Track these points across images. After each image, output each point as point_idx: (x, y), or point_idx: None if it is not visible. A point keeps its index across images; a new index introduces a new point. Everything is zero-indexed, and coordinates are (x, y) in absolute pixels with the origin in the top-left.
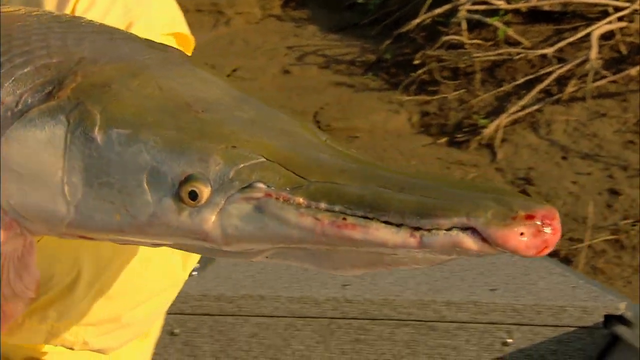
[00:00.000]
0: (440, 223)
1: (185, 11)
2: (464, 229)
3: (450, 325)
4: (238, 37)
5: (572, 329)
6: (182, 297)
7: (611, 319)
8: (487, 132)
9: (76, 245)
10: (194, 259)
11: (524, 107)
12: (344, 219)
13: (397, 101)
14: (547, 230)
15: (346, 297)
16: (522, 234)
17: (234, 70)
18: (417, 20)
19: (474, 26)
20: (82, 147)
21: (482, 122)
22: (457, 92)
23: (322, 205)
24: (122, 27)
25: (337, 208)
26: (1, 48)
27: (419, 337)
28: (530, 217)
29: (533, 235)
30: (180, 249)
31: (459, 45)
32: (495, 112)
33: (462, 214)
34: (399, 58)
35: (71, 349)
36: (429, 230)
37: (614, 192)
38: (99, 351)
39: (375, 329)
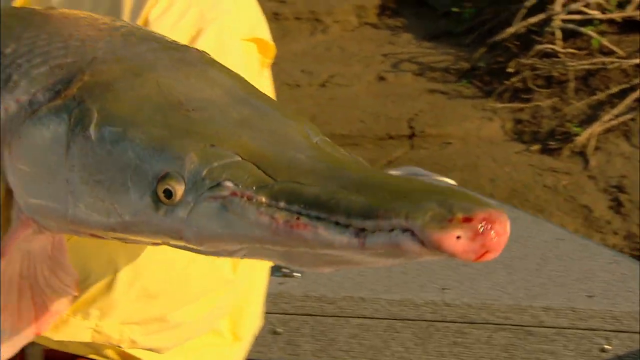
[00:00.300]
0: (381, 224)
1: (284, 19)
2: (404, 231)
3: (548, 331)
4: (335, 44)
5: None
6: (285, 297)
7: None
8: (580, 140)
9: (110, 245)
10: (245, 261)
11: (617, 116)
12: (298, 218)
13: (490, 108)
14: (487, 234)
15: (445, 300)
16: (458, 237)
17: (331, 77)
18: (512, 29)
19: (568, 35)
20: (80, 145)
21: (575, 130)
22: (551, 100)
23: (282, 204)
24: (193, 31)
25: (294, 208)
26: (23, 49)
27: (517, 341)
28: (467, 220)
29: (470, 238)
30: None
31: (553, 54)
32: (588, 120)
33: (402, 216)
34: (493, 66)
35: (119, 347)
36: (372, 232)
37: None
38: (151, 350)
39: (474, 333)
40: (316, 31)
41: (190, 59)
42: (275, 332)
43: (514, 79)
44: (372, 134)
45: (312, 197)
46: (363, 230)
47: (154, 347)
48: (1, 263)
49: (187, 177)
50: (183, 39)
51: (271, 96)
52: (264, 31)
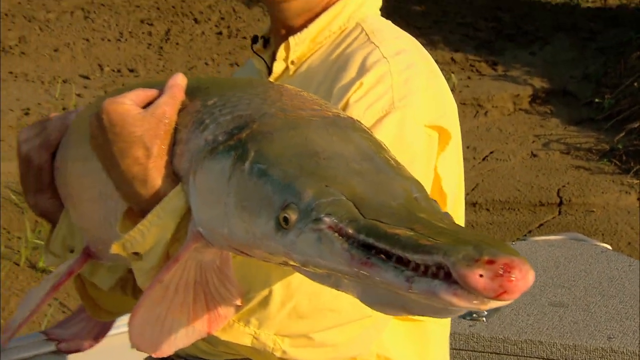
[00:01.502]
0: (424, 258)
1: None
2: (442, 282)
3: None
4: (494, 125)
5: None
6: (475, 338)
7: None
8: None
9: (268, 267)
10: None
11: None
12: (368, 258)
13: (628, 184)
14: (506, 276)
15: (612, 347)
16: (481, 275)
17: (491, 153)
18: None
19: None
20: (237, 176)
21: None
22: None
23: (361, 237)
24: (381, 114)
25: (370, 240)
26: (220, 102)
27: None
28: (491, 262)
29: (490, 278)
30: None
31: None
32: None
33: (441, 253)
34: (630, 148)
35: (274, 355)
36: (419, 274)
37: None
38: None
39: None
40: (479, 114)
41: (339, 123)
42: None
43: None
44: (526, 201)
45: (384, 233)
46: (413, 274)
47: (302, 359)
48: (175, 267)
49: (301, 208)
50: (372, 119)
51: (449, 173)
52: (449, 121)
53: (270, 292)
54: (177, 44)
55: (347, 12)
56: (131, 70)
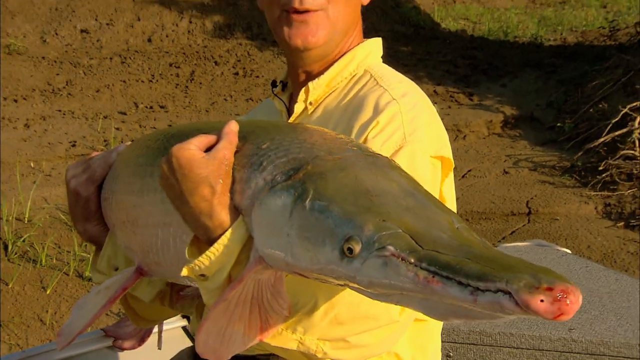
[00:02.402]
0: (489, 285)
1: None
2: (505, 294)
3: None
4: (471, 147)
5: None
6: (455, 331)
7: None
8: None
9: (313, 284)
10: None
11: None
12: (433, 277)
13: (586, 195)
14: (563, 301)
15: (572, 337)
16: (542, 300)
17: (469, 171)
18: (601, 140)
19: None
20: (298, 211)
21: None
22: (632, 190)
23: (423, 265)
24: (396, 147)
25: (432, 268)
26: (273, 145)
27: None
28: (549, 289)
29: (550, 303)
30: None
31: (634, 157)
32: None
33: (504, 281)
34: (588, 165)
35: (316, 356)
36: (483, 290)
37: None
38: None
39: None
40: (458, 138)
41: (379, 163)
42: (448, 356)
43: (604, 175)
44: (499, 212)
45: (444, 262)
46: (477, 289)
47: (340, 359)
48: (239, 287)
49: (363, 240)
50: (388, 153)
51: (451, 196)
52: (448, 151)
53: (314, 304)
54: (201, 83)
55: (357, 60)
56: (162, 107)
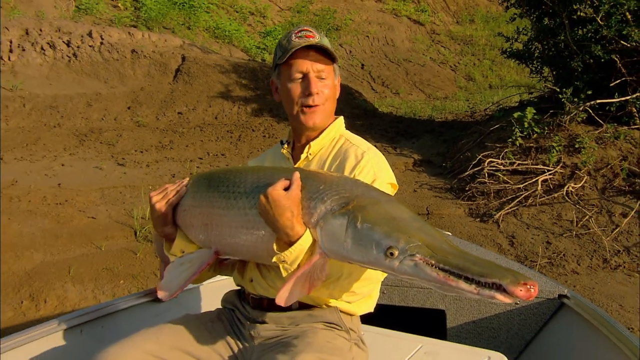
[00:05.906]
0: (487, 280)
1: None
2: (497, 285)
3: None
4: (396, 177)
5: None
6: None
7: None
8: (497, 215)
9: (338, 264)
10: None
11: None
12: (449, 275)
13: (458, 204)
14: (531, 290)
15: None
16: (521, 290)
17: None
18: (467, 173)
19: (495, 171)
20: (352, 229)
21: (495, 214)
22: (484, 201)
23: (441, 266)
24: (371, 180)
25: (447, 268)
26: (326, 187)
27: None
28: (525, 284)
29: (526, 290)
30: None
31: (484, 183)
32: (500, 207)
33: (496, 278)
34: (460, 187)
35: (337, 301)
36: (482, 284)
37: None
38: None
39: None
40: None
41: (390, 199)
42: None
43: (467, 192)
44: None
45: (455, 265)
46: (479, 283)
47: (348, 300)
48: (306, 268)
49: (399, 249)
50: (368, 182)
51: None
52: (394, 179)
53: (340, 274)
54: (244, 142)
55: (335, 129)
56: (222, 155)
